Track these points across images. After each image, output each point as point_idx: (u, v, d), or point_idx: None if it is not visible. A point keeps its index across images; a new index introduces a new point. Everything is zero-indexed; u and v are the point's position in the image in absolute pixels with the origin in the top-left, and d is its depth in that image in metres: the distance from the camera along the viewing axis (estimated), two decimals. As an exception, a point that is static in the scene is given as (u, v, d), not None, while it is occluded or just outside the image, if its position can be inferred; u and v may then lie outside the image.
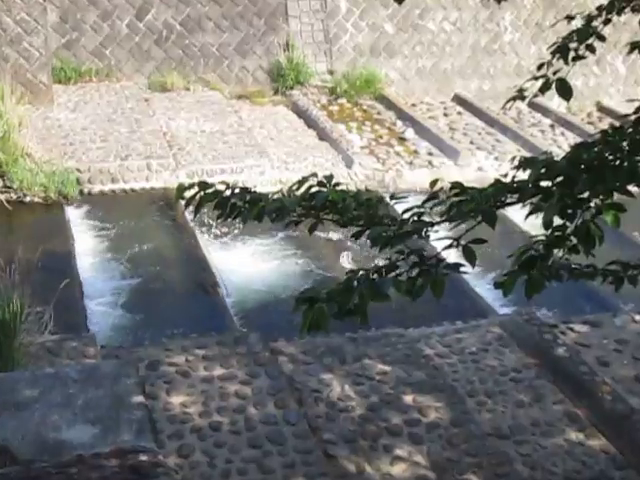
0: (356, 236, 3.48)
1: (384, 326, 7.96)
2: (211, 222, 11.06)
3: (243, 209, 3.53)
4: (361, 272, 3.20)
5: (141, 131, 13.24)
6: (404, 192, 11.92)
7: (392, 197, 3.75)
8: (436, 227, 3.37)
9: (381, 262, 3.41)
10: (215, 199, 3.55)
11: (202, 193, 3.57)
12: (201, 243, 10.51)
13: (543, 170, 3.25)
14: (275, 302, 9.34)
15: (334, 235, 10.90)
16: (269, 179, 12.28)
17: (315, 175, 3.65)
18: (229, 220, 3.62)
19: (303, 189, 3.57)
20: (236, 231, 10.93)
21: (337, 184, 3.53)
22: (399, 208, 3.77)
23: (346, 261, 10.40)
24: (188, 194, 3.64)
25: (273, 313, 9.12)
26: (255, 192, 3.60)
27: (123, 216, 11.22)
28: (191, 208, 3.61)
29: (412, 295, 3.14)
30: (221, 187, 3.59)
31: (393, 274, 3.20)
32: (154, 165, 12.10)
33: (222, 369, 6.94)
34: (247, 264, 10.26)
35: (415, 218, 3.35)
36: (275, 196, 3.55)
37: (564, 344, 7.58)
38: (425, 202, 3.48)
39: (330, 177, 3.54)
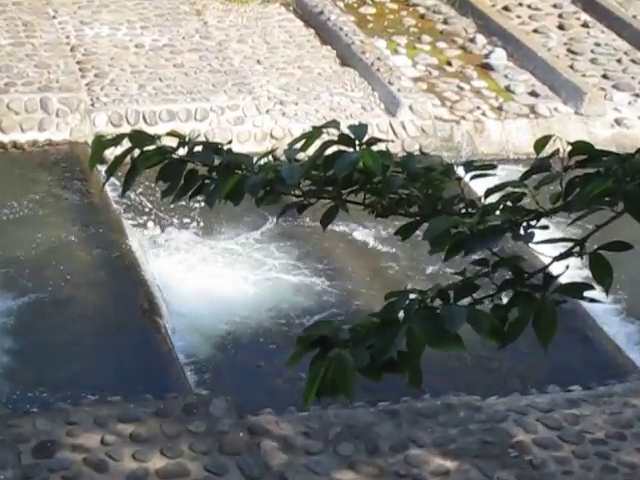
0: (404, 233, 3.47)
1: (446, 391, 7.96)
2: (151, 204, 11.07)
3: (208, 181, 3.54)
4: (412, 295, 3.19)
5: (33, 43, 13.26)
6: (488, 159, 11.91)
7: (467, 166, 3.74)
8: (544, 220, 3.36)
9: (447, 280, 3.40)
10: (160, 163, 3.56)
11: (137, 152, 3.57)
12: (133, 240, 10.52)
13: None
14: (256, 344, 9.34)
15: (363, 231, 10.89)
16: (253, 131, 12.30)
17: (334, 125, 3.64)
18: (183, 200, 3.61)
19: (313, 149, 3.57)
20: (195, 222, 10.94)
21: (372, 142, 3.52)
22: (479, 186, 3.76)
23: (385, 277, 10.38)
24: (112, 154, 3.64)
25: (252, 364, 9.12)
26: (230, 152, 3.60)
27: (-1, 190, 11.26)
28: (116, 179, 3.62)
29: (501, 337, 3.13)
30: (170, 142, 3.59)
31: (468, 300, 3.19)
32: (54, 103, 12.12)
33: (164, 458, 6.95)
34: (211, 279, 10.26)
35: (508, 204, 3.34)
36: (264, 160, 3.55)
37: None
38: (525, 176, 3.48)
39: (361, 128, 3.54)
